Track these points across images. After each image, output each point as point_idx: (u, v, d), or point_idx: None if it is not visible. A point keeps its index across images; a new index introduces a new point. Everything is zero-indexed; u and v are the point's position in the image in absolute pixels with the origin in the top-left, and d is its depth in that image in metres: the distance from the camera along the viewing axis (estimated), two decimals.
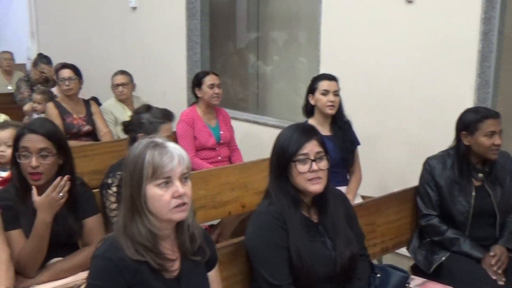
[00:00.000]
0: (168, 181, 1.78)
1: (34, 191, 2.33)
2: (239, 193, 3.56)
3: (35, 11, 8.05)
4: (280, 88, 5.69)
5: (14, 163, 2.45)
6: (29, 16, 8.14)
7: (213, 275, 2.02)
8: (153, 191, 1.77)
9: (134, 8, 6.33)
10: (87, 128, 4.65)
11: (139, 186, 1.77)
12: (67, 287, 2.44)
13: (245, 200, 3.58)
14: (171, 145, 1.83)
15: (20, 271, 2.36)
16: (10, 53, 7.23)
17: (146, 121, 2.94)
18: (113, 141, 4.53)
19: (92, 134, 4.70)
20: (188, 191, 1.81)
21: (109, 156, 4.11)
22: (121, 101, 4.98)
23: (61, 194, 2.35)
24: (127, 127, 3.11)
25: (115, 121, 4.88)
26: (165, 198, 1.77)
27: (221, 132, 4.35)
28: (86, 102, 4.81)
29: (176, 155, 1.79)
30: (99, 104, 5.13)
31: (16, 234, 2.39)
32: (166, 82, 6.09)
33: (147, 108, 3.05)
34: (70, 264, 2.47)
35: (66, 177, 2.36)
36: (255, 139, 5.14)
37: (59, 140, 2.46)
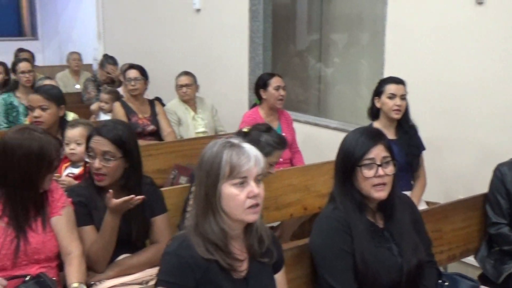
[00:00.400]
0: (243, 181, 1.80)
1: (111, 194, 2.38)
2: (301, 196, 3.56)
3: (102, 13, 8.29)
4: (341, 91, 5.65)
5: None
6: (97, 18, 8.39)
7: (280, 277, 2.03)
8: (229, 190, 1.80)
9: (198, 10, 6.43)
10: (151, 127, 4.74)
11: (215, 185, 1.80)
12: (134, 283, 2.50)
13: (307, 203, 3.57)
14: (247, 146, 1.86)
15: (90, 266, 2.44)
16: (79, 54, 7.48)
17: (264, 141, 2.93)
18: (177, 141, 4.62)
19: (156, 134, 4.80)
20: (262, 193, 1.84)
21: (172, 156, 4.19)
22: (185, 101, 5.06)
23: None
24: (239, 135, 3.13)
25: (178, 121, 4.97)
26: (240, 198, 1.79)
27: (283, 134, 4.35)
28: (151, 102, 4.92)
29: (252, 156, 1.82)
30: (162, 104, 5.23)
31: (88, 230, 2.47)
32: (228, 83, 6.15)
33: (268, 129, 3.05)
34: (138, 260, 2.53)
35: (139, 198, 2.41)
36: (316, 141, 5.12)
37: (125, 145, 2.49)
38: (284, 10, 6.12)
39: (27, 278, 2.20)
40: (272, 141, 2.97)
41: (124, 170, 2.51)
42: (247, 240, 1.90)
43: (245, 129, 3.04)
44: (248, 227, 1.89)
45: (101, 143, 2.46)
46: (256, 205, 1.82)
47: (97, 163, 2.45)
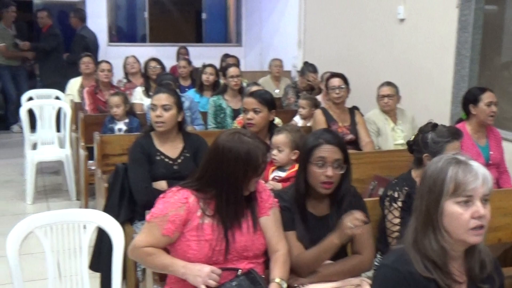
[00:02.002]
0: (468, 200, 1.73)
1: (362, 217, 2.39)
2: None
3: (304, 22, 8.53)
4: None
5: (302, 170, 2.60)
6: (298, 26, 8.65)
7: None
8: (452, 208, 1.74)
9: (402, 19, 6.30)
10: (350, 137, 4.76)
11: (437, 201, 1.75)
12: None
13: None
14: (475, 163, 1.78)
15: (295, 270, 2.50)
16: (280, 60, 7.78)
17: (431, 140, 2.87)
18: (376, 151, 4.58)
19: (354, 143, 4.80)
20: (488, 214, 1.74)
21: (371, 167, 4.16)
22: (385, 112, 5.00)
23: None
24: (411, 146, 3.09)
25: (377, 131, 4.93)
26: (464, 217, 1.73)
27: (491, 153, 4.10)
28: (351, 111, 4.94)
29: (480, 174, 1.74)
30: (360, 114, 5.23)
31: (291, 235, 2.54)
32: (429, 96, 5.94)
33: (432, 126, 2.96)
34: (341, 269, 2.55)
35: (360, 217, 2.39)
36: None
37: (346, 153, 2.57)
38: (492, 19, 5.75)
39: (239, 273, 2.32)
40: (439, 136, 2.84)
41: (342, 176, 2.57)
42: (468, 262, 1.82)
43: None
44: (470, 249, 1.81)
45: (333, 151, 2.51)
46: (481, 226, 1.73)
47: (330, 171, 2.49)
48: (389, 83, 5.05)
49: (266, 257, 2.49)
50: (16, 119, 8.66)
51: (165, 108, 3.37)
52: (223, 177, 2.32)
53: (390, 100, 4.95)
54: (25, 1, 9.46)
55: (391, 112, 5.00)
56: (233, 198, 2.35)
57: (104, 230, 2.65)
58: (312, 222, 2.59)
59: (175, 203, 2.35)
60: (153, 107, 3.41)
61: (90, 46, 8.30)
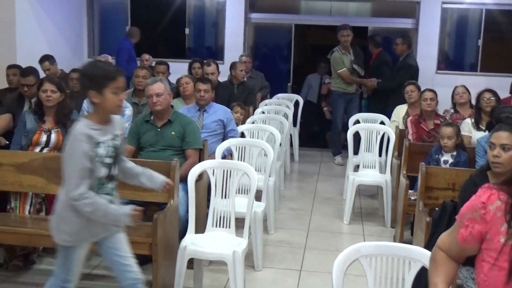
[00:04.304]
0: None
1: None
2: None
3: None
4: None
5: None
6: None
7: None
8: None
9: None
10: None
11: None
12: None
13: None
14: None
15: None
16: None
17: None
18: None
19: None
20: None
21: None
22: None
23: None
24: None
25: None
26: None
27: None
28: None
29: None
30: None
31: None
32: None
33: None
34: None
35: None
36: None
37: None
38: None
39: None
40: None
41: None
42: None
43: None
44: None
45: None
46: None
47: None
48: None
49: None
50: (339, 150, 8.71)
51: (504, 148, 3.08)
52: None
53: None
54: (361, 27, 9.84)
55: None
56: None
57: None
58: None
59: (474, 205, 1.94)
60: (491, 145, 3.14)
61: (416, 75, 8.10)
